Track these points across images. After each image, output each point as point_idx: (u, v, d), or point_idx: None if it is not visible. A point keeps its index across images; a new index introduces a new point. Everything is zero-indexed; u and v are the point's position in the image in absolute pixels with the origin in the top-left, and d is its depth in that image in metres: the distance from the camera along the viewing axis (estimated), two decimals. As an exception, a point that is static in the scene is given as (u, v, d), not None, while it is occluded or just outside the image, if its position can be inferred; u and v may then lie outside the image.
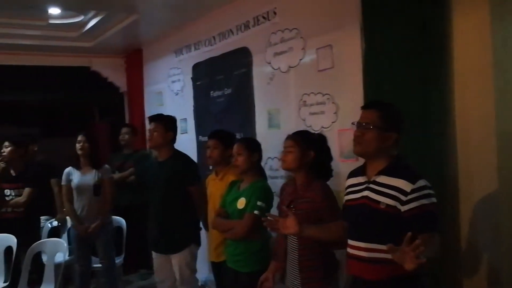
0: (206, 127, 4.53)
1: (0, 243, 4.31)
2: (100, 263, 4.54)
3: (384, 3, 2.78)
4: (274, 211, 3.07)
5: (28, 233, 4.47)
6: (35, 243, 4.24)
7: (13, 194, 4.57)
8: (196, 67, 4.85)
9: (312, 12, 3.38)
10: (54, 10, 4.59)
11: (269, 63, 3.78)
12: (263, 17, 3.83)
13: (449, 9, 2.72)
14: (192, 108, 4.94)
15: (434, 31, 2.73)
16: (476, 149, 2.66)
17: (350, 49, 3.00)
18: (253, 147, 3.17)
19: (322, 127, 3.25)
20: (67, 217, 4.83)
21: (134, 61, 6.13)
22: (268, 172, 3.49)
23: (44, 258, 4.36)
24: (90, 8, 4.65)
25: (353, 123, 2.24)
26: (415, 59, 2.76)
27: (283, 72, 3.66)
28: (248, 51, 4.02)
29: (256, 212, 2.96)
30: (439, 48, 2.77)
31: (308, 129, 3.20)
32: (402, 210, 2.04)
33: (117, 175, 5.12)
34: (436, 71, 2.75)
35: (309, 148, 2.67)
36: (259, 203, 2.98)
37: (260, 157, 3.22)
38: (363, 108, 2.25)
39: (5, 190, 4.56)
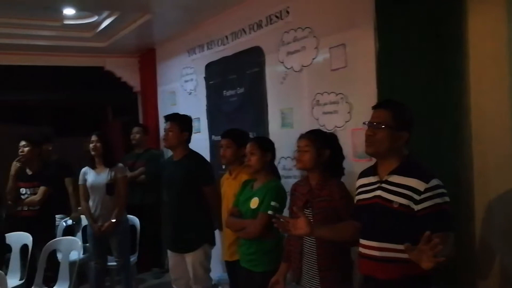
0: (219, 127, 4.55)
1: (16, 241, 4.36)
2: (115, 261, 4.57)
3: (398, 2, 2.76)
4: (287, 211, 3.07)
5: (43, 231, 4.51)
6: (50, 241, 4.29)
7: (28, 192, 4.61)
8: (209, 67, 4.87)
9: (325, 11, 3.37)
10: (68, 11, 4.63)
11: (282, 62, 3.78)
12: (276, 16, 3.83)
13: (463, 7, 2.69)
14: (205, 108, 4.95)
15: (449, 30, 2.70)
16: (491, 147, 2.63)
17: (364, 48, 2.99)
18: (267, 147, 3.17)
19: (336, 127, 3.25)
20: (82, 216, 4.88)
21: (148, 61, 6.16)
22: (281, 172, 3.49)
23: (59, 256, 4.41)
24: (104, 8, 4.68)
25: (364, 123, 2.24)
26: (429, 58, 2.73)
27: (296, 71, 3.65)
28: (261, 51, 4.03)
29: (269, 212, 2.96)
30: (453, 47, 2.74)
31: (322, 128, 3.20)
32: (416, 209, 2.04)
33: (128, 173, 5.17)
34: (451, 70, 2.72)
35: (324, 146, 2.67)
36: (272, 203, 2.98)
37: (273, 157, 3.22)
38: (374, 107, 2.25)
39: (21, 189, 4.61)
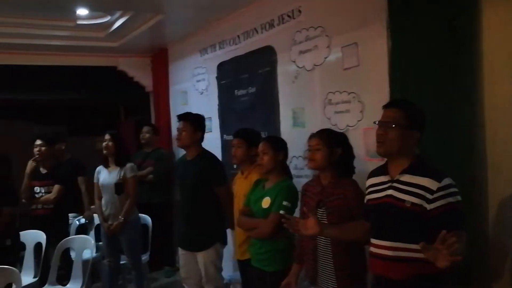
0: (231, 126, 4.55)
1: (30, 239, 4.41)
2: (126, 260, 4.60)
3: (411, 0, 2.75)
4: (298, 210, 3.07)
5: (57, 229, 4.57)
6: (63, 240, 4.34)
7: (42, 191, 4.67)
8: (221, 66, 4.87)
9: (337, 10, 3.36)
10: (82, 11, 4.66)
11: (294, 61, 3.77)
12: (288, 16, 3.83)
13: (477, 4, 2.67)
14: (216, 107, 4.96)
15: (462, 27, 2.68)
16: (505, 146, 2.60)
17: (376, 47, 2.97)
18: (279, 146, 3.16)
19: (348, 126, 3.24)
20: (94, 215, 4.92)
21: (160, 60, 6.18)
22: (293, 171, 3.48)
23: (73, 254, 4.45)
24: (116, 8, 4.71)
25: (375, 122, 2.24)
26: (442, 56, 2.71)
27: (308, 70, 3.65)
28: (273, 50, 4.02)
29: (281, 212, 2.94)
30: (467, 45, 2.72)
31: (334, 127, 3.19)
32: (428, 208, 2.04)
33: (137, 173, 5.20)
34: (464, 68, 2.70)
35: (335, 145, 2.67)
36: (284, 202, 2.97)
37: (285, 156, 3.22)
38: (385, 107, 2.25)
39: (35, 188, 4.66)
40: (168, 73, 6.11)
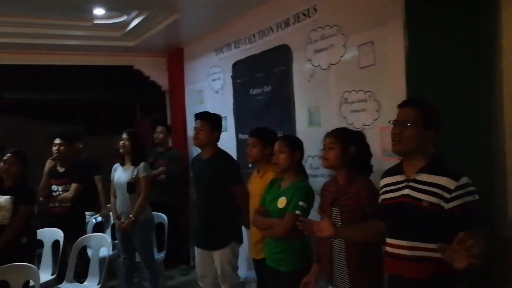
0: (246, 125, 4.55)
1: (48, 237, 4.47)
2: (139, 258, 4.63)
3: (428, -2, 2.72)
4: (315, 211, 3.06)
5: (74, 227, 4.61)
6: (80, 238, 4.38)
7: (60, 190, 4.71)
8: (236, 65, 4.88)
9: (353, 8, 3.34)
10: (98, 11, 4.70)
11: (310, 60, 3.76)
12: (303, 14, 3.82)
13: (496, 3, 2.63)
14: (232, 106, 4.97)
15: (481, 25, 2.65)
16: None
17: (393, 46, 2.95)
18: (295, 146, 3.16)
19: (364, 125, 3.22)
20: (110, 213, 4.96)
21: (175, 60, 6.20)
22: (308, 171, 3.47)
23: (89, 252, 4.49)
24: (133, 8, 4.74)
25: (390, 121, 2.23)
26: (460, 55, 2.68)
27: (323, 69, 3.63)
28: (288, 49, 4.01)
29: (297, 212, 2.95)
30: (486, 43, 2.68)
31: (350, 126, 3.17)
32: (446, 207, 2.03)
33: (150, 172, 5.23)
34: (483, 68, 2.66)
35: (349, 144, 2.66)
36: (300, 203, 2.96)
37: (301, 156, 3.21)
38: (400, 106, 2.24)
39: (53, 186, 4.71)
40: (184, 72, 6.13)
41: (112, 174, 4.56)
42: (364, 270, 2.56)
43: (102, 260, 4.32)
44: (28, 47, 5.54)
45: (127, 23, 5.16)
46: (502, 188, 2.62)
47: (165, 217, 5.04)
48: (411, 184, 2.14)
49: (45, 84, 7.21)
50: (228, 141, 4.77)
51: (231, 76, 4.96)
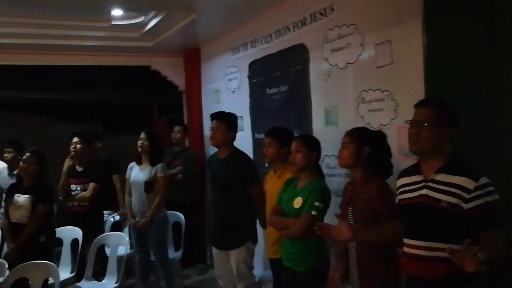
0: (262, 125, 4.55)
1: (67, 236, 4.52)
2: (154, 257, 4.66)
3: (447, -4, 2.69)
4: (331, 211, 3.05)
5: (92, 226, 4.65)
6: (99, 236, 4.42)
7: (78, 189, 4.76)
8: (253, 65, 4.88)
9: (371, 7, 3.32)
10: (116, 12, 4.75)
11: (326, 59, 3.74)
12: (320, 14, 3.80)
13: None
14: (248, 106, 4.97)
15: (502, 23, 2.61)
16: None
17: (411, 45, 2.92)
18: (313, 145, 3.15)
19: (381, 124, 3.19)
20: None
21: (192, 60, 6.23)
22: (325, 170, 3.46)
23: (108, 251, 4.53)
24: (151, 8, 4.77)
25: (407, 122, 2.22)
26: (480, 54, 2.65)
27: (340, 68, 3.61)
28: (305, 48, 4.00)
29: (313, 212, 2.94)
30: (505, 43, 2.65)
31: (367, 126, 3.15)
32: (465, 208, 2.01)
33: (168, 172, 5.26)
34: (504, 66, 2.63)
35: (364, 144, 2.65)
36: (316, 203, 2.96)
37: (318, 156, 3.20)
38: (416, 106, 2.22)
39: (72, 185, 4.77)
40: (201, 72, 6.16)
41: (127, 172, 4.60)
42: (375, 271, 2.55)
43: (120, 259, 4.36)
44: (47, 48, 5.62)
45: (144, 23, 5.20)
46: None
47: (182, 216, 5.07)
48: (429, 184, 2.12)
49: (64, 84, 7.29)
50: (244, 141, 4.78)
51: (248, 76, 4.97)
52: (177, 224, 5.07)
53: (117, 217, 5.30)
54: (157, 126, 8.36)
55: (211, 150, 4.56)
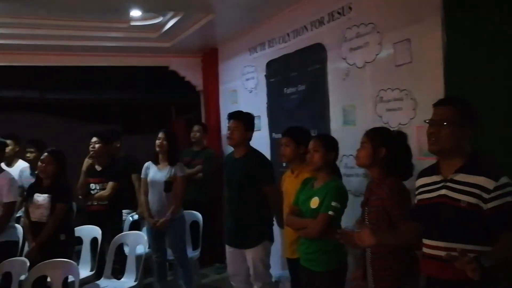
0: (280, 124, 4.55)
1: (87, 234, 4.57)
2: (173, 256, 4.68)
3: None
4: (348, 211, 3.03)
5: (111, 225, 4.70)
6: (117, 235, 4.46)
7: (97, 188, 4.81)
8: (270, 64, 4.88)
9: (389, 5, 3.29)
10: (135, 13, 4.79)
11: (344, 58, 3.72)
12: (338, 13, 3.79)
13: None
14: (265, 105, 4.97)
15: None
16: None
17: (430, 43, 2.89)
18: (331, 145, 3.13)
19: (400, 124, 3.16)
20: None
21: (210, 60, 6.26)
22: (343, 170, 3.44)
23: (126, 249, 4.56)
24: (169, 9, 4.80)
25: (425, 121, 2.20)
26: (501, 52, 2.61)
27: (358, 67, 3.59)
28: (323, 47, 3.99)
29: (330, 212, 2.93)
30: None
31: (385, 125, 3.13)
32: (485, 208, 1.99)
33: (186, 172, 5.28)
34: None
35: (381, 144, 2.62)
36: (333, 203, 2.94)
37: (336, 156, 3.19)
38: (435, 105, 2.20)
39: (91, 184, 4.82)
40: (218, 72, 6.18)
41: (143, 172, 4.61)
42: (389, 272, 2.53)
43: (138, 258, 4.39)
44: (67, 49, 5.69)
45: (163, 24, 5.23)
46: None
47: (199, 215, 5.09)
48: (448, 184, 2.10)
49: (84, 84, 7.38)
50: (261, 140, 4.78)
51: (265, 75, 4.97)
52: (194, 223, 5.09)
53: (136, 216, 5.33)
54: (175, 126, 8.41)
55: (229, 149, 4.57)
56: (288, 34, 4.50)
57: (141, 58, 6.29)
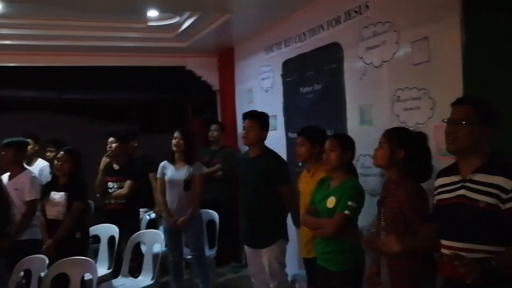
0: (296, 124, 4.54)
1: (104, 233, 4.62)
2: (190, 255, 4.70)
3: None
4: (364, 210, 3.02)
5: (128, 223, 4.73)
6: (135, 234, 4.49)
7: (115, 186, 4.84)
8: (286, 64, 4.87)
9: (407, 3, 3.26)
10: (152, 13, 4.83)
11: (361, 57, 3.70)
12: (355, 11, 3.77)
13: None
14: (281, 105, 4.97)
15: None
16: None
17: (448, 42, 2.87)
18: (347, 145, 3.12)
19: (417, 123, 3.14)
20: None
21: (226, 59, 6.27)
22: (359, 170, 3.43)
23: (143, 248, 4.60)
24: (185, 9, 4.83)
25: (444, 120, 2.18)
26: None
27: (375, 66, 3.57)
28: (339, 46, 3.97)
29: (346, 212, 2.92)
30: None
31: (402, 125, 3.11)
32: (503, 208, 1.97)
33: (205, 171, 5.30)
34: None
35: (400, 146, 2.59)
36: (349, 202, 2.93)
37: (353, 156, 3.17)
38: (454, 104, 2.18)
39: (108, 183, 4.87)
40: (234, 71, 6.20)
41: (160, 172, 4.61)
42: (404, 274, 2.51)
43: (155, 256, 4.42)
44: (85, 49, 5.76)
45: (179, 24, 5.26)
46: None
47: (216, 214, 5.10)
48: (467, 184, 2.08)
49: (102, 85, 7.44)
50: (277, 140, 4.78)
51: (281, 75, 4.96)
52: (211, 222, 5.11)
53: (153, 215, 5.37)
54: (191, 125, 8.44)
55: (245, 149, 4.57)
56: (304, 33, 4.49)
57: (158, 58, 6.33)
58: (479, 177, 2.05)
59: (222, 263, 5.65)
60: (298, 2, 4.33)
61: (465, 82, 2.71)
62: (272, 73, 5.18)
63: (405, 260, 2.50)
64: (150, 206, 5.34)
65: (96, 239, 4.68)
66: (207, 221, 5.07)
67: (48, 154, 5.35)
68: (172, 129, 4.65)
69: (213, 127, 5.86)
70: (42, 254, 3.69)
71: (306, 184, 3.48)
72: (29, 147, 5.10)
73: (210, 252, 5.02)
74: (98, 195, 4.90)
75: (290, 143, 4.71)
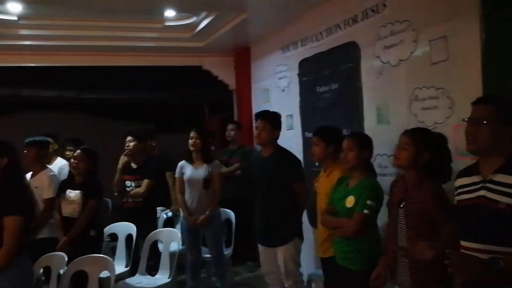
0: (312, 123, 4.52)
1: (122, 231, 4.66)
2: (209, 253, 4.72)
3: (507, -11, 2.59)
4: (384, 209, 3.00)
5: (146, 222, 4.77)
6: (152, 232, 4.52)
7: (133, 185, 4.89)
8: (303, 63, 4.86)
9: (425, 2, 3.23)
10: (169, 13, 4.86)
11: (378, 57, 3.68)
12: (372, 10, 3.74)
13: None
14: (298, 104, 4.96)
15: None
16: None
17: (468, 40, 2.83)
18: (364, 144, 3.11)
19: (435, 123, 3.11)
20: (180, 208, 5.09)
21: (243, 59, 6.29)
22: (377, 169, 3.40)
23: (160, 246, 4.63)
24: (202, 9, 4.85)
25: (464, 120, 2.15)
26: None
27: (393, 65, 3.54)
28: (356, 46, 3.95)
29: (365, 211, 2.91)
30: None
31: (420, 125, 3.07)
32: None
33: (224, 170, 5.32)
34: None
35: (425, 148, 2.57)
36: (368, 201, 2.92)
37: (370, 155, 3.16)
38: (474, 103, 2.15)
39: (126, 182, 4.91)
40: (251, 71, 6.20)
41: (178, 171, 4.64)
42: (429, 275, 2.48)
43: (172, 254, 4.45)
44: (103, 49, 5.82)
45: (196, 24, 5.28)
46: None
47: (232, 213, 5.12)
48: (488, 185, 2.06)
49: (119, 84, 7.52)
50: (294, 139, 4.77)
51: (298, 74, 4.95)
52: (227, 221, 5.12)
53: (170, 214, 5.41)
54: (208, 124, 8.48)
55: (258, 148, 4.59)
56: (321, 33, 4.47)
57: (175, 58, 6.37)
58: (500, 177, 2.03)
59: (238, 262, 5.66)
60: (314, 1, 4.31)
61: (484, 81, 2.67)
62: (288, 72, 5.17)
63: (428, 262, 2.48)
64: (167, 205, 5.38)
65: (114, 237, 4.72)
66: (223, 220, 5.08)
67: (67, 153, 5.42)
68: (189, 129, 4.68)
69: (230, 126, 5.88)
70: (57, 251, 3.73)
71: (322, 184, 3.48)
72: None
73: (226, 251, 5.03)
74: (116, 194, 4.95)
75: (306, 143, 4.70)
